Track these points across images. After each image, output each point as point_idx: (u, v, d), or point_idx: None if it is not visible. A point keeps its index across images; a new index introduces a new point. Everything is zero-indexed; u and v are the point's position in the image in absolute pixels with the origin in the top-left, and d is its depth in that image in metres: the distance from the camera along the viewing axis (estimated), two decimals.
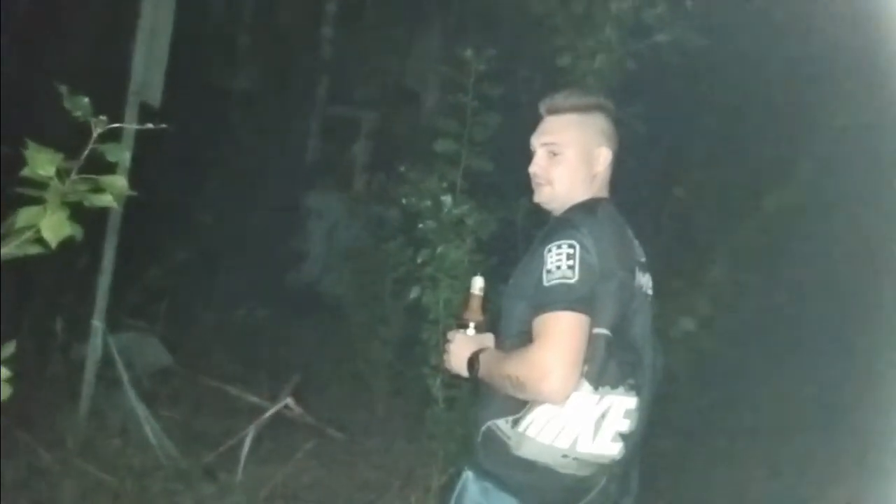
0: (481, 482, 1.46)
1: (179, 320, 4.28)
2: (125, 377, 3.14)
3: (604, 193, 1.58)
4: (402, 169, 3.09)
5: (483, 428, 1.45)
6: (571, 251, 1.37)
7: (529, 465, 1.40)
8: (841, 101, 3.81)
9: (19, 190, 1.48)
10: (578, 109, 1.57)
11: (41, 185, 1.47)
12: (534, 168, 1.57)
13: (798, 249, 4.04)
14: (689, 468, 3.80)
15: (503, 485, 1.44)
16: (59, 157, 1.45)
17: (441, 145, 2.87)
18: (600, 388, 1.38)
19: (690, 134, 4.44)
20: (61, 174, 1.46)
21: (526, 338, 1.39)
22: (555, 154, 1.54)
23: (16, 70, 3.67)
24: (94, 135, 1.47)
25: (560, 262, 1.37)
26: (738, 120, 4.29)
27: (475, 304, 1.61)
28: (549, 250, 1.39)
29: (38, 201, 1.48)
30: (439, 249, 2.84)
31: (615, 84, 3.25)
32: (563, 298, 1.35)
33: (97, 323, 2.88)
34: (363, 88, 6.30)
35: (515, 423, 1.40)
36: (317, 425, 3.80)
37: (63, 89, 1.45)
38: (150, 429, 3.14)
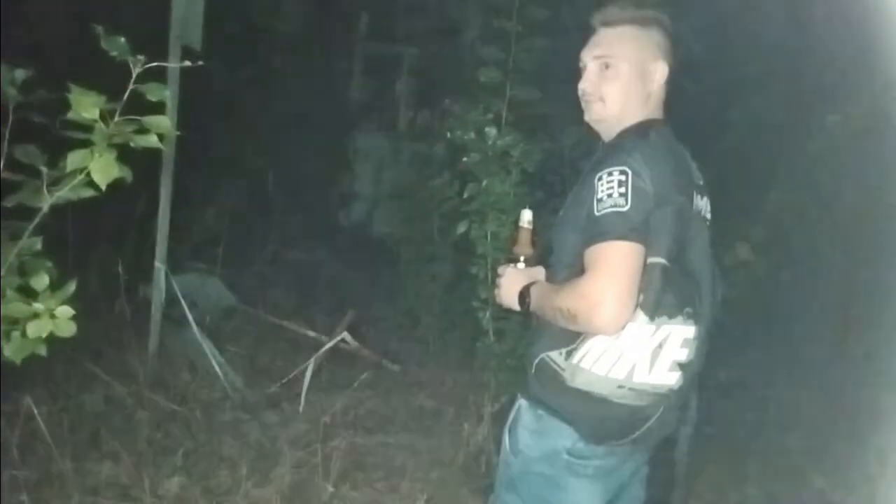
0: (535, 409, 1.47)
1: (238, 261, 4.44)
2: (190, 316, 3.30)
3: (658, 114, 1.51)
4: (447, 102, 3.04)
5: (536, 360, 1.45)
6: (623, 178, 1.32)
7: (584, 396, 1.39)
8: None
9: (66, 133, 1.53)
10: (634, 22, 1.49)
11: (86, 127, 1.52)
12: (584, 84, 1.50)
13: (859, 173, 3.81)
14: (745, 397, 3.77)
15: (557, 413, 1.44)
16: (101, 99, 1.49)
17: (485, 74, 2.80)
18: (657, 318, 1.35)
19: (748, 53, 4.16)
20: (105, 116, 1.50)
21: (578, 270, 1.36)
22: (608, 67, 1.46)
23: (58, 14, 3.74)
24: (134, 74, 1.50)
25: (612, 189, 1.32)
26: (799, 36, 4.00)
27: (524, 238, 1.60)
28: (600, 178, 1.34)
29: (85, 144, 1.54)
30: (484, 183, 2.81)
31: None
32: (616, 228, 1.30)
33: (159, 265, 3.02)
34: (403, 23, 6.15)
35: (569, 354, 1.39)
36: (372, 357, 3.93)
37: (99, 30, 1.48)
38: (216, 363, 3.32)
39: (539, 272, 1.57)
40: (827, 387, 3.73)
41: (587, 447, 1.43)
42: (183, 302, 3.29)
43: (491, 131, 2.77)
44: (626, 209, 1.31)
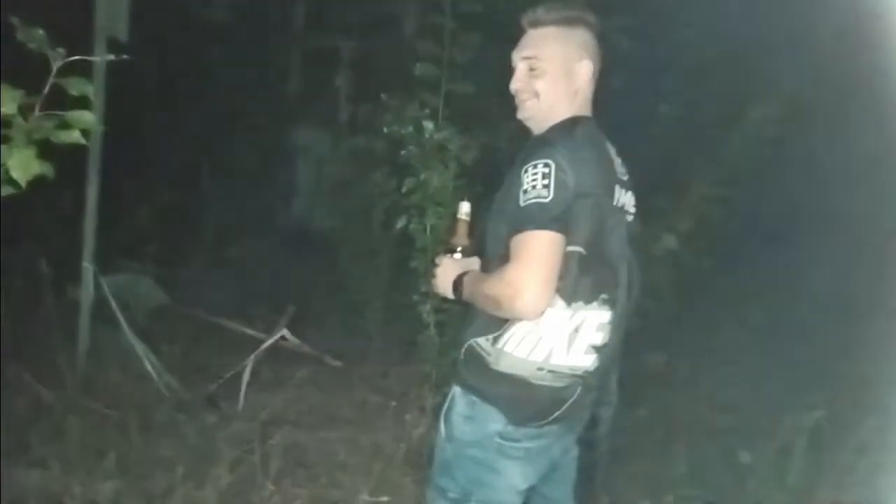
0: (468, 396, 1.53)
1: (172, 259, 4.32)
2: (120, 316, 3.20)
3: (586, 111, 1.57)
4: (384, 97, 3.05)
5: (465, 346, 1.51)
6: (547, 170, 1.38)
7: (507, 379, 1.46)
8: (826, 8, 3.72)
9: None
10: (560, 23, 1.55)
11: (5, 123, 1.46)
12: (515, 83, 1.56)
13: (782, 163, 4.04)
14: (672, 381, 3.95)
15: (485, 398, 1.50)
16: (19, 93, 1.44)
17: (420, 69, 2.82)
18: (573, 304, 1.42)
19: (675, 49, 4.34)
20: (24, 111, 1.45)
21: (508, 259, 1.42)
22: (535, 68, 1.53)
23: None
24: (54, 68, 1.45)
25: (535, 181, 1.38)
26: (722, 32, 4.20)
27: (461, 229, 1.65)
28: (526, 171, 1.40)
29: (4, 140, 1.48)
30: (423, 177, 2.84)
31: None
32: (537, 218, 1.37)
33: (87, 264, 2.91)
34: (341, 14, 6.09)
35: (495, 340, 1.45)
36: (314, 353, 3.91)
37: (16, 21, 1.42)
38: (150, 364, 3.23)
39: (474, 262, 1.62)
40: (748, 366, 3.96)
41: (517, 430, 1.49)
42: (113, 302, 3.18)
43: (428, 125, 2.80)
44: (547, 200, 1.37)
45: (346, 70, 6.35)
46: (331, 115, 6.25)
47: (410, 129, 2.81)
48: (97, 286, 3.08)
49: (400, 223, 3.06)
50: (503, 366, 1.46)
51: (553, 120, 1.53)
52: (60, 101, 1.56)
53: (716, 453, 3.14)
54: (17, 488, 2.41)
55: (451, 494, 1.54)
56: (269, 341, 3.67)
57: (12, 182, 1.49)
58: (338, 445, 3.12)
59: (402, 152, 2.85)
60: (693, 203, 3.74)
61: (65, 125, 1.45)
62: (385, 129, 2.93)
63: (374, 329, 4.28)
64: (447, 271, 1.60)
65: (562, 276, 1.40)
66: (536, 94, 1.53)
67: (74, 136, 1.45)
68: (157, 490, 2.60)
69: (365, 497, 2.75)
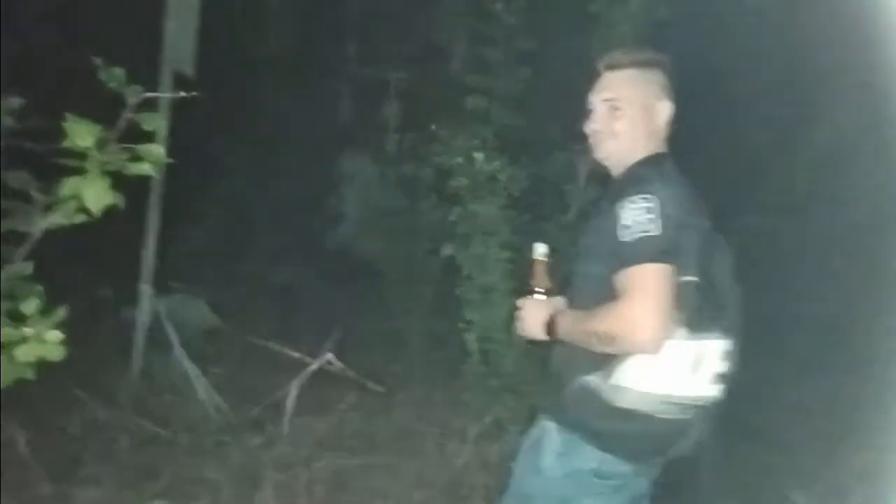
0: (568, 434, 1.53)
1: (223, 282, 4.43)
2: (174, 338, 3.29)
3: (663, 149, 1.60)
4: (433, 127, 3.11)
5: (573, 385, 1.50)
6: (650, 204, 1.39)
7: (627, 415, 1.45)
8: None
9: (59, 160, 1.56)
10: (638, 65, 1.60)
11: (81, 155, 1.55)
12: (595, 124, 1.60)
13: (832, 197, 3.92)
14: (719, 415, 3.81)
15: (595, 437, 1.49)
16: (97, 127, 1.52)
17: (471, 102, 2.88)
18: (695, 333, 1.43)
19: (721, 83, 4.29)
20: (100, 144, 1.54)
21: (604, 296, 1.42)
22: (616, 109, 1.57)
23: (51, 43, 3.77)
24: (129, 105, 1.54)
25: (638, 216, 1.39)
26: (769, 70, 4.13)
27: (540, 270, 1.66)
28: (623, 206, 1.41)
29: (79, 171, 1.56)
30: (471, 206, 2.87)
31: (648, 31, 3.17)
32: (647, 251, 1.37)
33: (145, 287, 3.02)
34: (391, 48, 6.25)
35: (608, 376, 1.45)
36: (357, 379, 3.93)
37: (98, 61, 1.51)
38: (199, 385, 3.31)
39: (560, 302, 1.63)
40: (796, 402, 3.81)
41: (614, 467, 1.49)
42: (167, 324, 3.28)
43: (478, 156, 2.84)
44: (654, 233, 1.38)
45: (394, 101, 6.49)
46: (379, 144, 6.38)
47: (460, 159, 2.86)
48: (153, 308, 3.18)
49: (447, 251, 3.09)
50: (623, 401, 1.44)
51: (632, 159, 1.56)
52: (129, 132, 1.66)
53: (768, 494, 3.03)
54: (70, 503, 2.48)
55: None
56: (315, 365, 3.71)
57: (85, 210, 1.58)
58: (379, 472, 3.12)
59: (452, 182, 2.89)
60: (735, 232, 3.67)
61: (136, 158, 1.53)
62: (435, 159, 2.98)
63: (417, 356, 4.30)
64: (534, 312, 1.61)
65: (681, 307, 1.40)
66: (615, 135, 1.57)
67: (145, 168, 1.53)
68: None
69: None
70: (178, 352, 3.30)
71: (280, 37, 5.79)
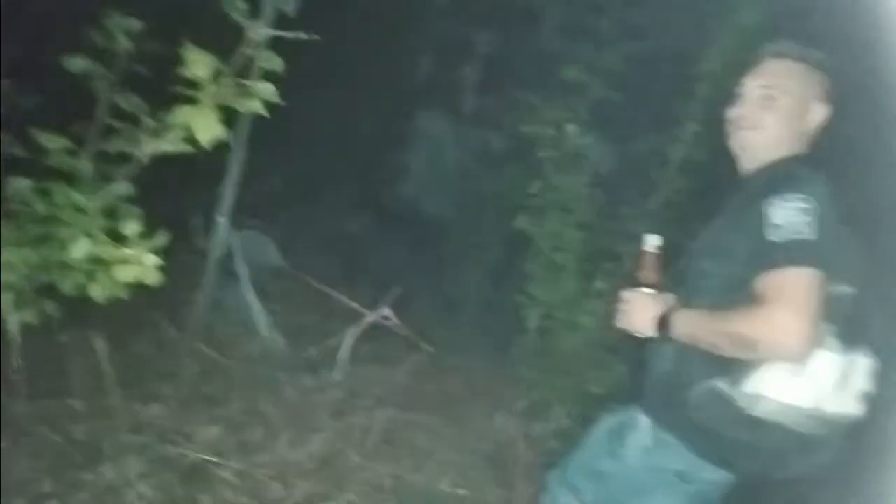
0: (663, 433, 1.50)
1: (292, 225, 4.51)
2: (243, 272, 3.37)
3: (807, 152, 1.53)
4: (521, 95, 3.03)
5: (697, 389, 1.44)
6: (806, 206, 1.32)
7: (758, 425, 1.39)
8: None
9: (172, 88, 1.58)
10: (804, 60, 1.52)
11: (195, 85, 1.56)
12: (742, 110, 1.52)
13: None
14: None
15: (696, 441, 1.44)
16: (213, 59, 1.53)
17: (569, 73, 2.78)
18: (845, 347, 1.38)
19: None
20: (215, 76, 1.54)
21: (731, 297, 1.37)
22: (771, 98, 1.49)
23: None
24: (248, 39, 1.53)
25: (792, 216, 1.32)
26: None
27: (651, 264, 1.59)
28: (774, 204, 1.34)
29: (191, 101, 1.58)
30: (554, 180, 2.81)
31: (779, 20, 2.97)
32: (799, 254, 1.30)
33: (221, 219, 3.08)
34: (481, 6, 6.09)
35: (736, 382, 1.39)
36: (410, 336, 3.97)
37: None
38: (262, 321, 3.39)
39: (670, 299, 1.57)
40: None
41: (702, 473, 1.46)
42: (238, 257, 3.36)
43: (571, 129, 2.76)
44: (808, 236, 1.31)
45: (477, 62, 6.36)
46: (456, 104, 6.29)
47: (551, 130, 2.78)
48: (226, 240, 3.26)
49: (519, 223, 3.04)
50: (760, 411, 1.38)
51: (772, 155, 1.49)
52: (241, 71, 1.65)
53: None
54: (138, 418, 2.60)
55: (585, 497, 1.57)
56: (371, 317, 3.76)
57: (191, 140, 1.60)
58: (425, 431, 3.17)
59: (540, 154, 2.82)
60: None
61: (248, 94, 1.54)
62: (522, 128, 2.91)
63: (471, 322, 4.30)
64: (643, 307, 1.55)
65: (830, 318, 1.34)
66: (762, 126, 1.50)
67: (255, 105, 1.54)
68: (254, 443, 2.73)
69: (444, 487, 2.77)
70: (245, 285, 3.38)
71: None
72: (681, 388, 1.47)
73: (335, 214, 5.16)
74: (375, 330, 3.83)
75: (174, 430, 2.62)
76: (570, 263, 2.87)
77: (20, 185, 1.71)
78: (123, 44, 1.65)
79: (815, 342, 1.31)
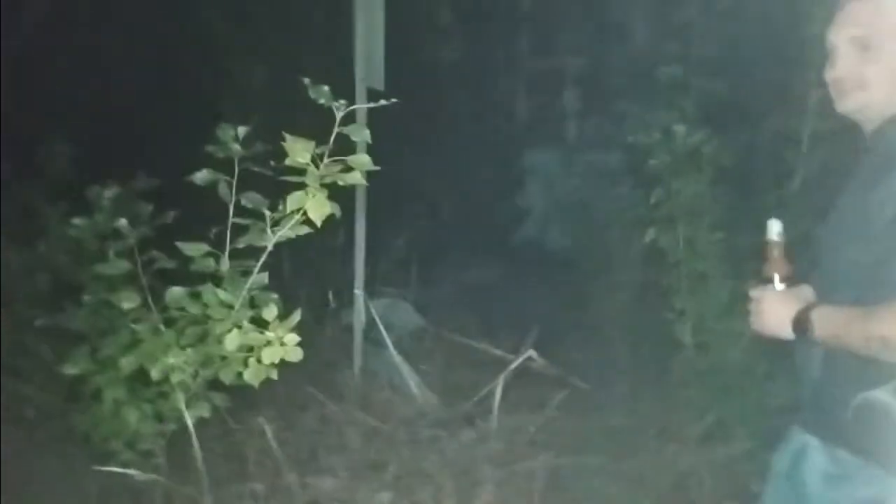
0: (841, 452, 1.27)
1: (422, 284, 4.64)
2: (387, 338, 3.49)
3: None
4: (621, 107, 2.95)
5: (855, 400, 1.19)
6: None
7: None
8: None
9: (281, 178, 1.71)
10: None
11: (300, 171, 1.68)
12: (839, 71, 1.28)
13: None
14: None
15: (884, 459, 1.21)
16: (311, 144, 1.65)
17: (664, 71, 2.66)
18: None
19: None
20: (315, 160, 1.66)
21: (874, 289, 1.16)
22: (867, 49, 1.24)
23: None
24: (338, 118, 1.64)
25: None
26: None
27: (776, 253, 1.39)
28: None
29: (298, 187, 1.71)
30: (674, 185, 2.66)
31: None
32: None
33: (358, 291, 3.24)
34: (564, 35, 6.10)
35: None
36: (560, 375, 3.86)
37: (307, 81, 1.63)
38: (412, 382, 3.47)
39: (808, 292, 1.36)
40: None
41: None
42: (380, 325, 3.49)
43: (679, 129, 2.61)
44: None
45: (572, 87, 6.33)
46: (559, 132, 6.27)
47: (658, 134, 2.66)
48: (367, 310, 3.40)
49: (649, 237, 2.90)
50: None
51: (893, 110, 1.25)
52: (333, 148, 1.76)
53: None
54: (313, 493, 2.72)
55: None
56: (518, 360, 3.71)
57: (308, 222, 1.72)
58: (595, 472, 3.01)
59: (651, 161, 2.70)
60: None
61: (347, 168, 1.63)
62: (629, 139, 2.81)
63: (621, 350, 4.11)
64: (777, 305, 1.33)
65: None
66: (866, 84, 1.25)
67: (356, 177, 1.62)
68: (424, 502, 2.75)
69: None
70: (391, 351, 3.49)
71: (456, 43, 5.93)
72: (834, 400, 1.24)
73: (463, 266, 5.24)
74: (523, 374, 3.77)
75: (349, 500, 2.71)
76: (711, 269, 2.67)
77: (176, 293, 1.92)
78: (236, 150, 1.82)
79: None
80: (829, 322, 1.22)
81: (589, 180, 4.60)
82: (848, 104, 1.29)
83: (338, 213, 1.65)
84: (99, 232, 2.04)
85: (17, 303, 2.38)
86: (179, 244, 1.88)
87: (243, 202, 1.83)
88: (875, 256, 1.17)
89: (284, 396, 3.25)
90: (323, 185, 1.64)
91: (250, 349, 1.83)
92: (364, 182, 1.63)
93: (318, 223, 1.63)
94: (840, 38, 1.28)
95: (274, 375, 1.77)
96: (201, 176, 1.81)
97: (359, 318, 3.26)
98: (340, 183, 1.64)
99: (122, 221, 1.93)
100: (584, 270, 4.37)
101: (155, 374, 1.94)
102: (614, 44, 5.28)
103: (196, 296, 1.92)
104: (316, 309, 3.56)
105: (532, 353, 3.80)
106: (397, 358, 3.47)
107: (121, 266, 1.95)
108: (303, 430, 3.12)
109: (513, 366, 3.67)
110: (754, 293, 1.37)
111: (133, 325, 1.99)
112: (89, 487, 2.44)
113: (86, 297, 2.05)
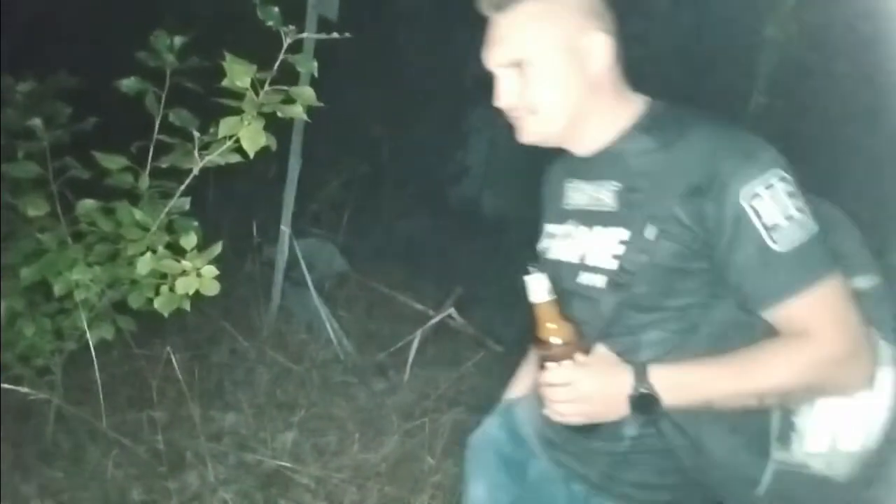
0: None
1: (352, 229, 4.57)
2: (309, 279, 3.43)
3: (639, 97, 1.13)
4: None
5: (766, 473, 1.02)
6: (790, 187, 0.96)
7: (842, 490, 1.03)
8: None
9: (217, 100, 1.61)
10: None
11: (238, 95, 1.58)
12: (502, 99, 1.11)
13: None
14: None
15: None
16: (253, 68, 1.55)
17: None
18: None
19: None
20: (255, 85, 1.56)
21: (699, 340, 1.01)
22: (522, 68, 1.07)
23: None
24: (285, 45, 1.54)
25: (783, 207, 0.95)
26: None
27: (552, 315, 1.08)
28: (748, 196, 0.95)
29: (233, 112, 1.61)
30: None
31: None
32: (822, 260, 0.97)
33: (284, 228, 3.14)
34: None
35: (786, 444, 1.02)
36: (477, 336, 3.93)
37: (256, 0, 1.53)
38: (330, 327, 3.44)
39: (605, 352, 1.08)
40: None
41: None
42: (303, 265, 3.42)
43: None
44: (815, 229, 0.98)
45: None
46: None
47: None
48: (291, 248, 3.32)
49: None
50: (840, 469, 1.01)
51: (582, 124, 1.08)
52: (277, 77, 1.67)
53: None
54: (216, 427, 2.68)
55: None
56: (437, 318, 3.75)
57: (240, 151, 1.63)
58: None
59: None
60: None
61: (289, 100, 1.55)
62: None
63: None
64: (590, 382, 1.04)
65: (879, 324, 1.02)
66: (535, 111, 1.09)
67: (297, 111, 1.54)
68: (330, 447, 2.76)
69: None
70: (312, 292, 3.44)
71: None
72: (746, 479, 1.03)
73: (396, 217, 5.19)
74: (441, 331, 3.82)
75: (252, 436, 2.68)
76: None
77: (87, 205, 1.79)
78: (170, 60, 1.69)
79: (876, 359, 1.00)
80: (683, 385, 1.00)
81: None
82: (528, 135, 1.14)
83: (273, 146, 1.57)
84: (8, 128, 1.86)
85: None
86: (97, 154, 1.74)
87: (171, 118, 1.71)
88: (685, 304, 1.02)
89: (194, 326, 3.16)
90: (260, 114, 1.55)
91: (163, 276, 1.74)
92: (305, 117, 1.55)
93: (251, 154, 1.54)
94: (493, 62, 1.11)
95: (186, 307, 1.70)
96: (128, 83, 1.68)
97: (282, 256, 3.18)
98: (280, 114, 1.55)
99: (37, 121, 1.77)
100: (516, 236, 4.42)
101: (58, 289, 1.83)
102: None
103: (109, 211, 1.80)
104: (237, 241, 3.44)
105: (452, 311, 3.85)
106: (317, 300, 3.42)
107: (30, 169, 1.80)
108: (211, 363, 3.05)
109: (432, 321, 3.71)
110: (551, 376, 1.07)
111: (38, 235, 1.85)
112: None
113: None
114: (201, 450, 2.44)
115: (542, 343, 1.08)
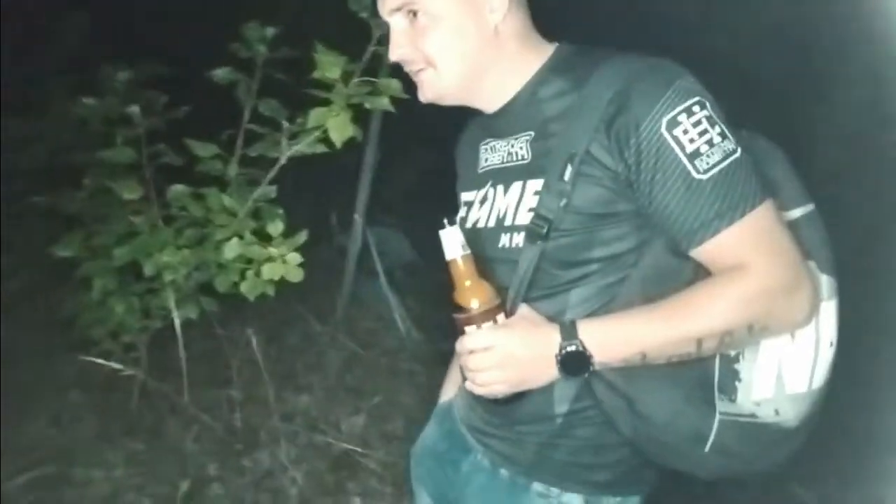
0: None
1: (427, 220, 4.59)
2: (380, 267, 3.47)
3: (548, 42, 1.05)
4: None
5: (713, 428, 0.93)
6: (706, 112, 0.89)
7: (790, 435, 0.97)
8: None
9: (306, 91, 1.63)
10: None
11: (327, 86, 1.60)
12: (396, 52, 1.03)
13: None
14: None
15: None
16: (343, 60, 1.56)
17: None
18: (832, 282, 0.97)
19: None
20: (346, 77, 1.57)
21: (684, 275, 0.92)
22: (415, 16, 0.99)
23: None
24: (375, 36, 1.55)
25: (704, 133, 0.87)
26: None
27: (468, 273, 0.98)
28: (664, 123, 0.87)
29: (322, 102, 1.63)
30: None
31: None
32: (749, 186, 0.88)
33: (358, 217, 3.19)
34: None
35: (732, 395, 0.94)
36: None
37: None
38: (398, 315, 3.47)
39: (528, 310, 1.00)
40: None
41: None
42: (375, 253, 3.46)
43: None
44: (740, 153, 0.89)
45: None
46: None
47: None
48: (363, 236, 3.37)
49: None
50: (789, 414, 0.94)
51: (481, 83, 1.01)
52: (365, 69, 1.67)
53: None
54: (288, 407, 2.75)
55: None
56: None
57: (326, 141, 1.65)
58: None
59: None
60: None
61: (376, 91, 1.55)
62: None
63: None
64: (515, 344, 0.96)
65: (816, 253, 0.96)
66: (432, 62, 1.01)
67: (384, 102, 1.54)
68: (396, 433, 2.79)
69: None
70: (382, 281, 3.47)
71: None
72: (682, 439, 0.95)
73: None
74: None
75: (322, 419, 2.75)
76: None
77: (179, 191, 1.86)
78: (261, 51, 1.73)
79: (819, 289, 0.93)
80: (618, 341, 0.92)
81: None
82: (426, 92, 1.05)
83: (359, 136, 1.58)
84: (107, 115, 1.95)
85: (16, 176, 2.31)
86: (189, 141, 1.80)
87: (261, 108, 1.75)
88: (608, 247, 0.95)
89: (271, 310, 3.25)
90: (349, 106, 1.56)
91: (248, 261, 1.79)
92: (391, 108, 1.54)
93: (339, 145, 1.56)
94: (385, 9, 1.02)
95: (271, 292, 1.74)
96: (221, 73, 1.72)
97: (355, 244, 3.22)
98: (367, 106, 1.56)
99: (135, 108, 1.84)
100: None
101: (148, 269, 1.91)
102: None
103: (199, 197, 1.87)
104: (314, 228, 3.51)
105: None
106: (387, 289, 3.46)
107: (127, 154, 1.88)
108: (286, 347, 3.14)
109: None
110: (470, 343, 0.98)
111: (131, 217, 1.94)
112: (66, 372, 2.45)
113: (86, 181, 1.98)
114: (274, 429, 2.51)
115: (459, 307, 0.98)
